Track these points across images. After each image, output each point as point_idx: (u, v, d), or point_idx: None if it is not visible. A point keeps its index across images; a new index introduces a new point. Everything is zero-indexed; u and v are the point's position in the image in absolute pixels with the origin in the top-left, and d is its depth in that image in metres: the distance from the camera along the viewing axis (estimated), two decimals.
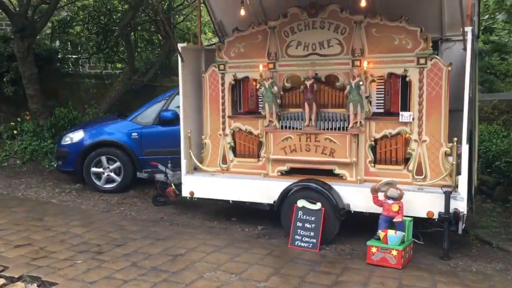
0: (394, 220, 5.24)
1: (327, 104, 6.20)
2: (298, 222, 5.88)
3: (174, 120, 8.59)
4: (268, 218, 6.72)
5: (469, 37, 5.22)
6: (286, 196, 6.07)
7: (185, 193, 6.88)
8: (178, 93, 8.72)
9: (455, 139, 5.41)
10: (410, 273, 4.92)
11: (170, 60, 12.94)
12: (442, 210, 5.44)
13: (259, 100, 6.72)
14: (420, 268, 5.11)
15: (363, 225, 5.91)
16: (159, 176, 7.76)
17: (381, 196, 5.48)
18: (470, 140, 5.40)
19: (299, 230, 5.86)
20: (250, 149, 6.70)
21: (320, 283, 4.68)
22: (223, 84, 6.74)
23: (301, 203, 5.91)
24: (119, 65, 13.90)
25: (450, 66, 5.56)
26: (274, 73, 6.35)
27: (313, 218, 5.83)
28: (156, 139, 8.69)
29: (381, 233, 5.22)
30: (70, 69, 13.07)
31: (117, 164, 8.68)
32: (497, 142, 8.10)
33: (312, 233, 5.79)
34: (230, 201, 6.64)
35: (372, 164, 6.02)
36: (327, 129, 6.12)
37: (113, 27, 12.86)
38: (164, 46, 12.54)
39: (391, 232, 5.16)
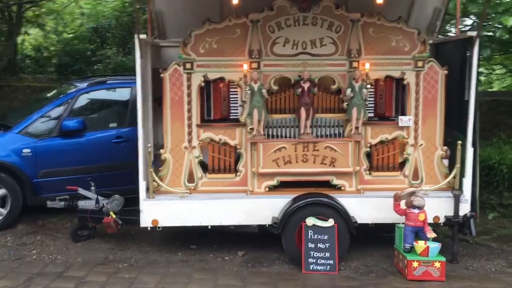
0: (428, 235, 4.98)
1: (321, 109, 5.64)
2: (309, 243, 5.19)
3: (81, 130, 6.87)
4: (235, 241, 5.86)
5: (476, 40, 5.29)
6: (290, 215, 5.29)
7: (146, 223, 5.46)
8: (78, 96, 7.08)
9: (460, 142, 5.44)
10: (460, 284, 4.77)
11: (16, 55, 10.43)
12: (448, 214, 5.44)
13: (232, 105, 5.76)
14: (456, 277, 4.99)
15: None
16: (85, 204, 6.06)
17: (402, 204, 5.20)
18: (474, 143, 5.50)
19: (312, 252, 5.18)
20: (226, 162, 5.68)
21: None
22: (189, 86, 5.55)
23: (310, 221, 5.23)
24: None
25: (446, 69, 5.59)
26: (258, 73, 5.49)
27: (326, 237, 5.21)
28: (57, 155, 6.75)
29: (418, 246, 4.93)
30: None
31: (1, 191, 6.47)
32: None
33: (327, 254, 5.17)
34: (209, 227, 5.53)
35: (368, 172, 5.69)
36: (325, 136, 5.55)
37: None
38: (12, 37, 10.00)
39: (432, 244, 4.91)
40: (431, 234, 4.98)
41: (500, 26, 6.34)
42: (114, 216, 5.80)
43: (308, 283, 4.81)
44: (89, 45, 11.54)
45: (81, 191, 6.14)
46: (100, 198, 6.03)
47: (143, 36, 5.36)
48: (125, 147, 7.02)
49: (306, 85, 5.42)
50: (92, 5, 11.98)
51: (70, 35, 11.94)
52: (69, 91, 7.19)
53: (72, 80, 8.44)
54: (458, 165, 5.48)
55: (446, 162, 5.72)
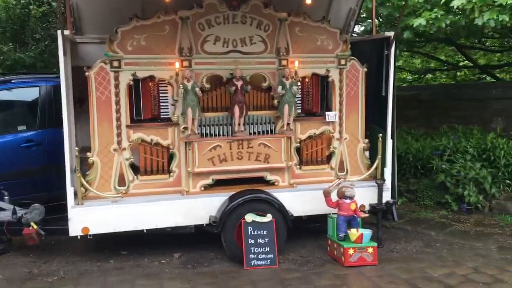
0: (361, 216, 5.33)
1: (252, 106, 5.70)
2: (249, 239, 5.25)
3: None
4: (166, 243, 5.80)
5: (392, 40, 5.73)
6: (230, 213, 5.30)
7: (76, 231, 5.14)
8: None
9: (380, 135, 5.84)
10: (391, 266, 5.13)
11: None
12: (372, 202, 5.84)
13: (163, 104, 5.63)
14: (385, 259, 5.36)
15: None
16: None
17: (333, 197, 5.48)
18: (392, 135, 5.95)
19: (252, 248, 5.24)
20: (159, 163, 5.52)
21: None
22: (117, 86, 5.29)
23: (249, 217, 5.29)
24: None
25: (366, 67, 5.96)
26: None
27: (265, 232, 5.30)
28: None
29: (352, 234, 5.21)
30: None
31: None
32: None
33: (267, 248, 5.27)
34: (144, 231, 5.34)
35: (298, 166, 5.89)
36: (258, 133, 5.64)
37: None
38: None
39: (365, 231, 5.23)
40: (364, 215, 5.34)
41: (406, 27, 6.90)
42: (35, 226, 5.36)
43: (254, 279, 4.86)
44: None
45: None
46: (17, 208, 5.53)
47: (67, 32, 5.01)
48: (37, 151, 6.52)
49: (239, 83, 5.44)
50: None
51: None
52: None
53: None
54: (379, 156, 5.89)
55: (367, 154, 6.11)
